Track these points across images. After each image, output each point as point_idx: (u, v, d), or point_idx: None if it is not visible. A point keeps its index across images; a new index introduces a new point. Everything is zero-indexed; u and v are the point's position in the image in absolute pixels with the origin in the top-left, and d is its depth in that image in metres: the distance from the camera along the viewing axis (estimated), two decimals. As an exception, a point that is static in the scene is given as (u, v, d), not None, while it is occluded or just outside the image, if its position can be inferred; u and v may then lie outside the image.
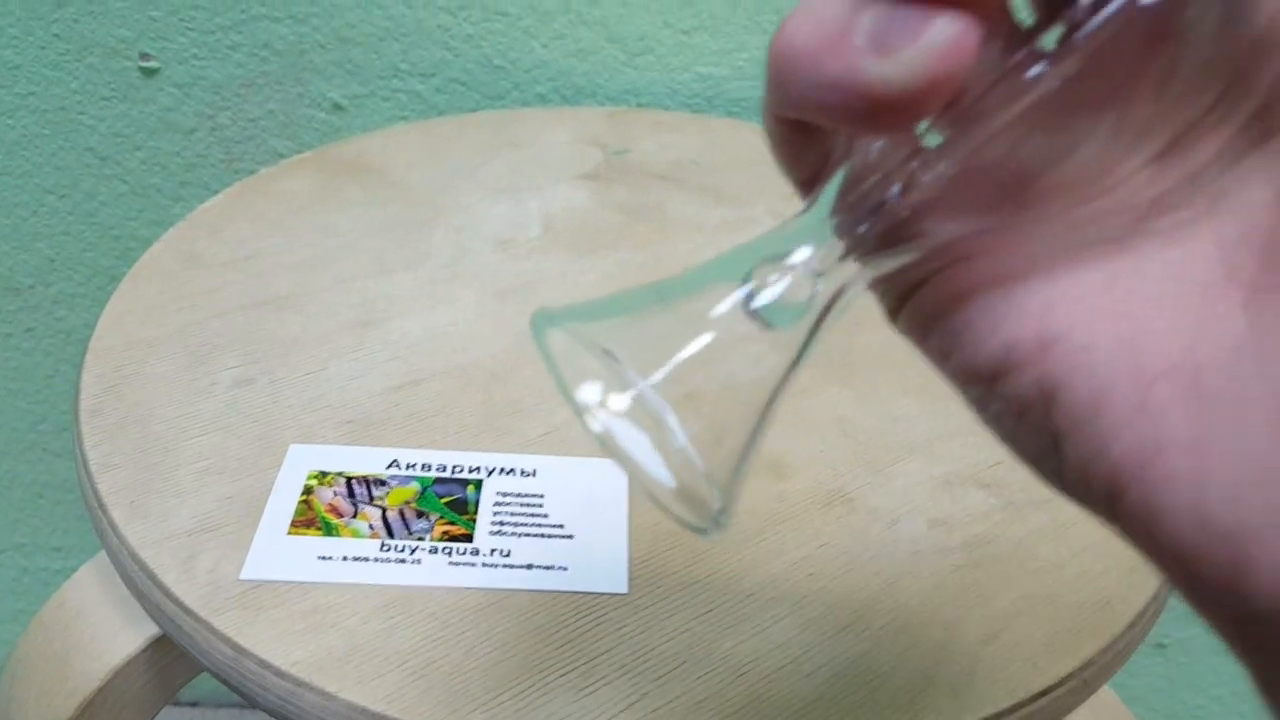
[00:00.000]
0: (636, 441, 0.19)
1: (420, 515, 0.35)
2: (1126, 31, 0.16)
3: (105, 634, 0.36)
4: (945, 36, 0.15)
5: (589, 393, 0.19)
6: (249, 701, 0.32)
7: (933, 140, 0.17)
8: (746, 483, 0.20)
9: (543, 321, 0.20)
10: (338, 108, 0.64)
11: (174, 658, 0.37)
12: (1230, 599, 0.15)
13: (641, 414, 0.19)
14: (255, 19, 0.61)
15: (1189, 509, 0.16)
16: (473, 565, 0.34)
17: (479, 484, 0.36)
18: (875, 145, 0.18)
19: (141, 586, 0.34)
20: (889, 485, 0.38)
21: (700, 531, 0.20)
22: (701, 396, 0.18)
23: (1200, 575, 0.16)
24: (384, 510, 0.35)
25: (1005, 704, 0.32)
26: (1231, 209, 0.17)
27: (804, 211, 0.19)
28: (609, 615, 0.33)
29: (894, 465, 0.39)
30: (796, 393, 0.37)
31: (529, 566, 0.34)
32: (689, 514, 0.19)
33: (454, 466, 0.37)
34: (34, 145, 0.66)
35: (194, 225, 0.49)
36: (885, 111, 0.15)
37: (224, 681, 0.32)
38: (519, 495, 0.36)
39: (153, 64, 0.63)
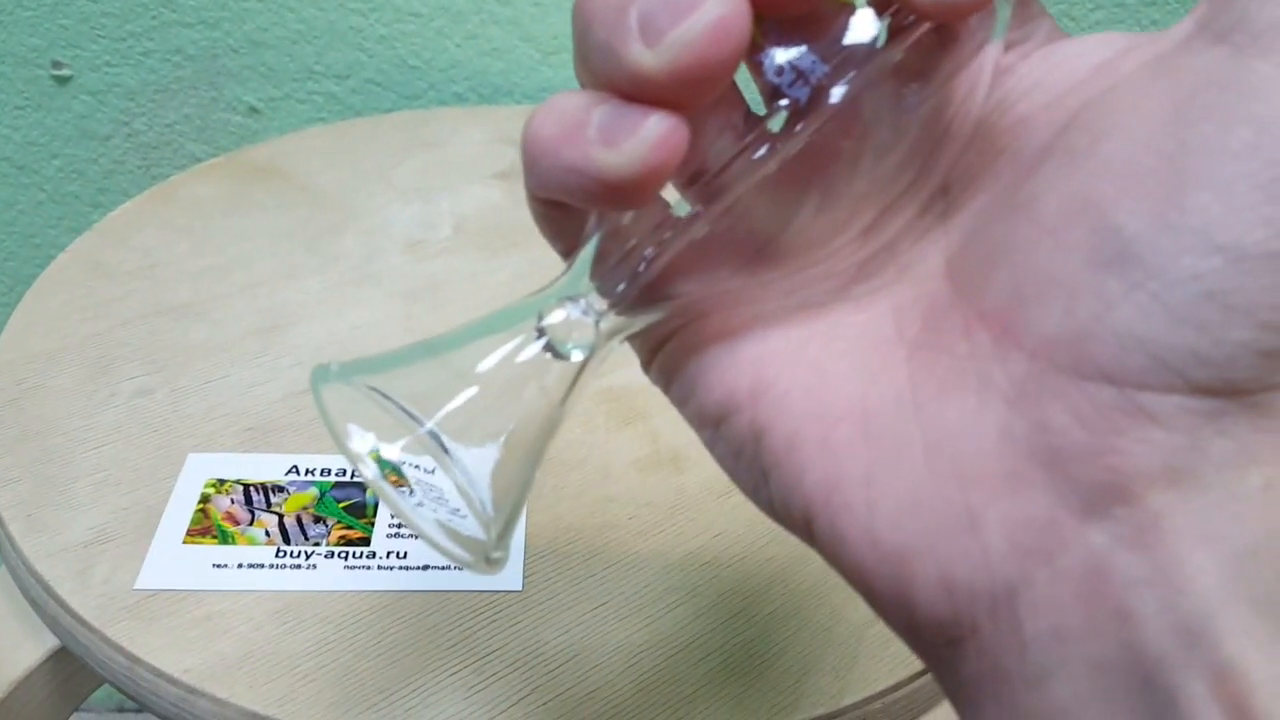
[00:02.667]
0: (415, 482, 0.21)
1: (318, 520, 0.36)
2: (830, 122, 0.19)
3: (6, 646, 0.36)
4: (659, 131, 0.17)
5: (361, 441, 0.20)
6: (146, 708, 0.32)
7: (681, 210, 0.19)
8: (518, 522, 0.21)
9: (319, 376, 0.20)
10: (254, 111, 0.64)
11: (76, 668, 0.37)
12: (900, 611, 0.18)
13: (416, 456, 0.20)
14: (166, 25, 0.61)
15: (863, 534, 0.18)
16: (369, 568, 0.34)
17: (377, 486, 0.37)
18: (625, 217, 0.20)
19: (38, 599, 0.34)
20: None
21: (474, 568, 0.20)
22: (472, 437, 0.19)
23: (875, 591, 0.18)
24: (281, 517, 0.35)
25: (886, 683, 0.33)
26: (911, 277, 0.20)
27: (561, 275, 0.20)
28: (503, 612, 0.34)
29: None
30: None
31: (425, 568, 0.35)
32: (463, 552, 0.20)
33: (353, 471, 0.37)
34: (-52, 156, 0.65)
35: (101, 234, 0.49)
36: (615, 192, 0.18)
37: (121, 690, 0.33)
38: (416, 496, 0.37)
39: (65, 72, 0.63)
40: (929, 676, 0.33)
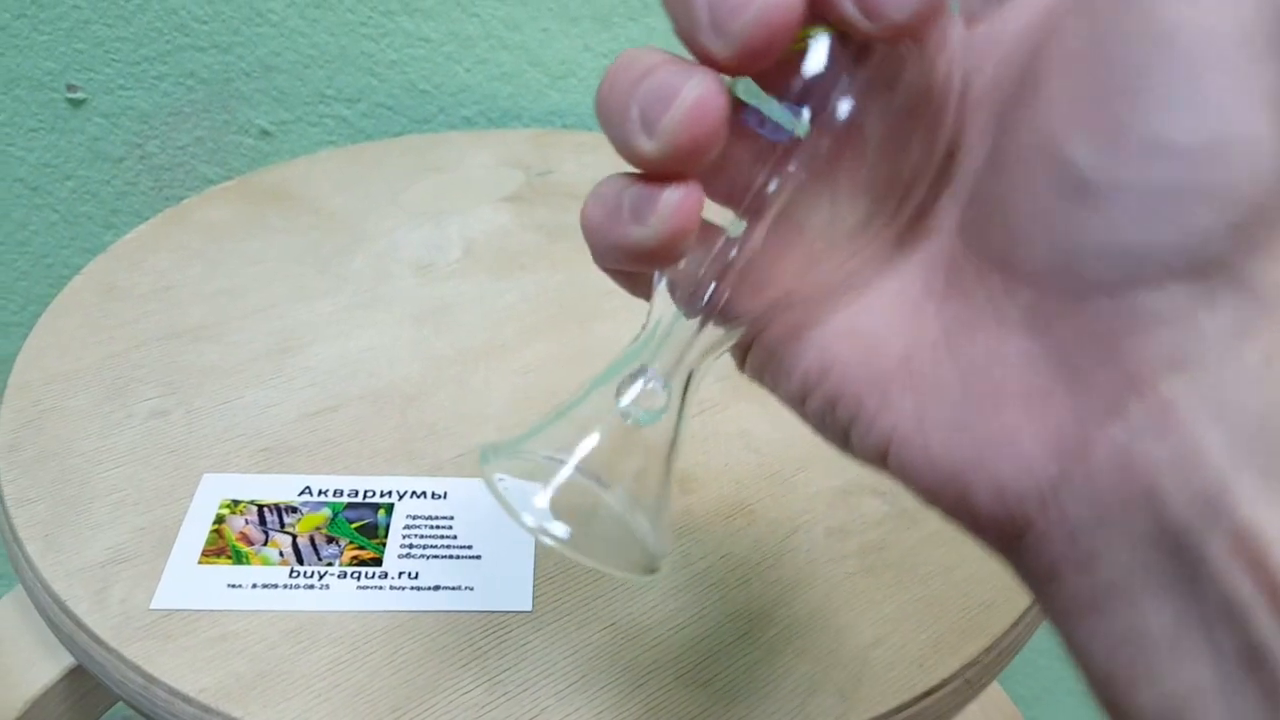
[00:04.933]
0: (577, 523, 0.24)
1: (330, 541, 0.36)
2: (832, 138, 0.22)
3: (23, 665, 0.37)
4: (673, 203, 0.21)
5: (533, 513, 0.24)
6: (161, 728, 0.33)
7: (736, 229, 0.22)
8: (671, 531, 0.24)
9: (486, 455, 0.25)
10: (265, 134, 0.65)
11: (91, 687, 0.38)
12: (965, 518, 0.21)
13: (574, 497, 0.24)
14: (180, 49, 0.62)
15: (923, 461, 0.22)
16: (380, 588, 0.35)
17: (390, 508, 0.37)
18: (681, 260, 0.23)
19: (55, 618, 0.35)
20: (789, 496, 0.40)
21: (641, 576, 0.24)
22: (616, 474, 0.24)
23: (942, 505, 0.22)
24: (294, 537, 0.36)
25: (891, 704, 0.33)
26: (932, 239, 0.23)
27: (642, 331, 0.24)
28: (514, 632, 0.34)
29: (795, 476, 0.41)
30: (704, 410, 0.39)
31: (436, 588, 0.35)
32: (632, 569, 0.24)
33: (366, 491, 0.38)
34: (-37, 177, 0.66)
35: (115, 257, 0.50)
36: (653, 257, 0.22)
37: (136, 709, 0.33)
38: (429, 518, 0.37)
39: (80, 95, 0.63)
40: (934, 698, 0.34)
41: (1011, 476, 0.20)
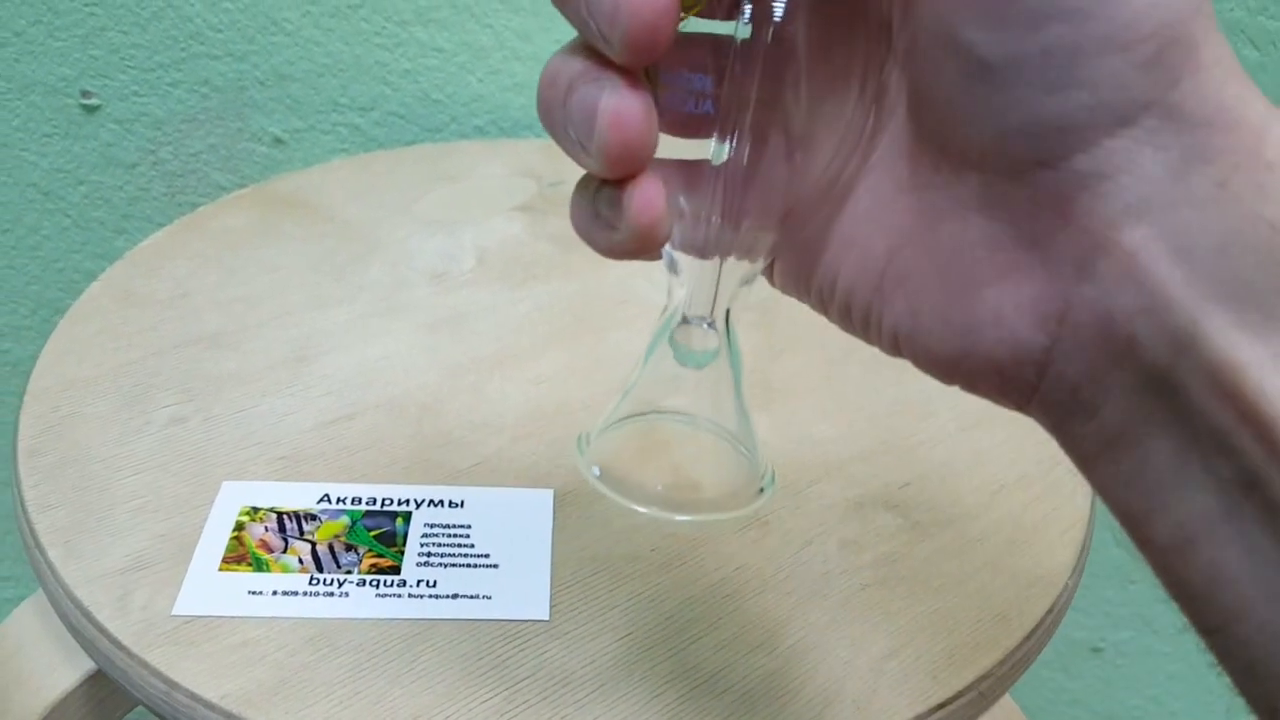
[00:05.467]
0: (679, 487, 0.28)
1: (349, 549, 0.36)
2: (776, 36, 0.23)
3: (43, 669, 0.37)
4: (634, 205, 0.22)
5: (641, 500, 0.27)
6: (182, 734, 0.33)
7: (719, 156, 0.24)
8: (763, 451, 0.29)
9: (581, 445, 0.28)
10: (278, 141, 0.66)
11: (111, 692, 0.38)
12: (978, 392, 0.23)
13: (667, 457, 0.28)
14: (195, 56, 0.63)
15: (924, 352, 0.23)
16: (399, 596, 0.35)
17: (408, 516, 0.38)
18: (680, 200, 0.24)
19: (77, 623, 0.35)
20: (804, 508, 0.40)
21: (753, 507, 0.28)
22: (698, 409, 0.27)
23: (958, 384, 0.23)
24: (314, 544, 0.36)
25: (906, 716, 0.33)
26: (892, 127, 0.24)
27: (669, 297, 0.27)
28: (531, 641, 0.35)
29: (810, 488, 0.41)
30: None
31: (454, 596, 0.35)
32: (742, 503, 0.28)
33: (384, 499, 0.38)
34: (-24, 182, 0.66)
35: (132, 264, 0.50)
36: (638, 253, 0.23)
37: (158, 715, 0.33)
38: (446, 526, 0.38)
39: (94, 101, 0.64)
40: (947, 709, 0.34)
41: (1005, 354, 0.21)
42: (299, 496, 0.38)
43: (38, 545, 0.36)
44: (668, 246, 0.25)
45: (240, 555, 0.36)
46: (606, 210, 0.23)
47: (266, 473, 0.40)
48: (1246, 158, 0.18)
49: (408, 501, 0.38)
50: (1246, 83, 0.19)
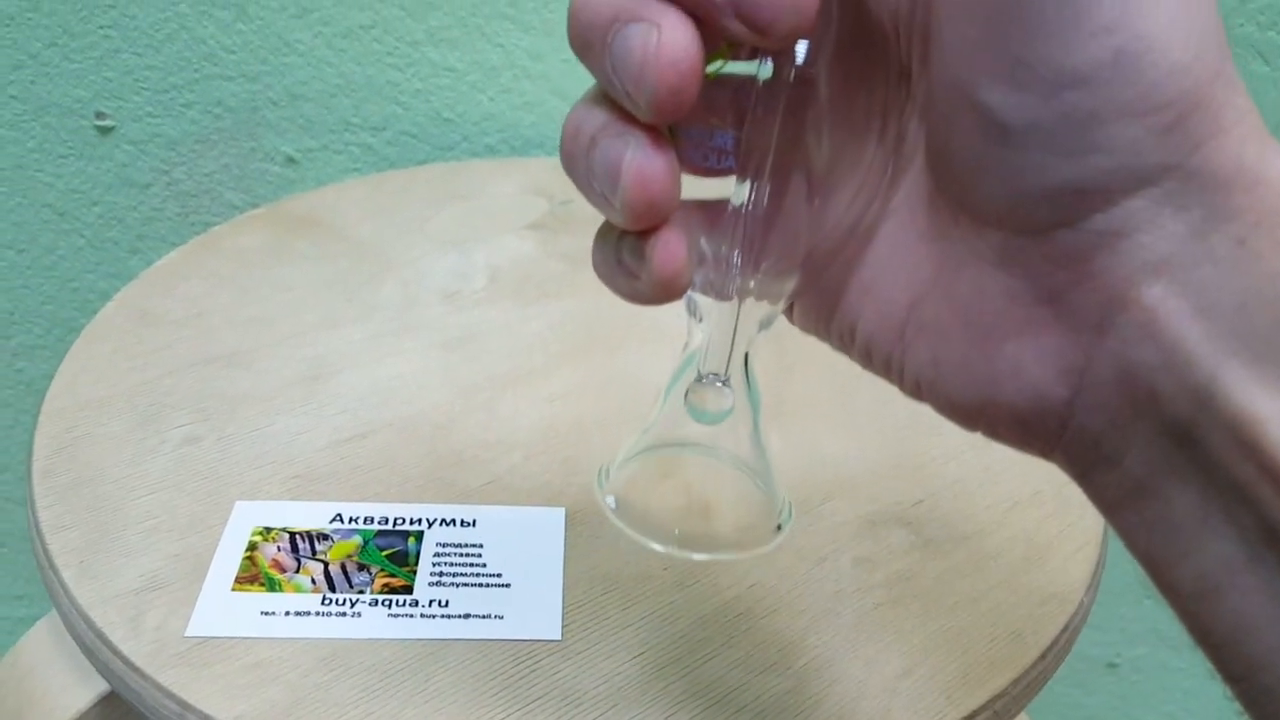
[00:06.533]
0: (696, 524, 0.28)
1: (361, 568, 0.36)
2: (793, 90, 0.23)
3: (57, 690, 0.37)
4: (656, 258, 0.22)
5: (658, 539, 0.28)
6: (195, 754, 0.33)
7: (739, 197, 0.24)
8: (783, 487, 0.29)
9: (600, 480, 0.28)
10: (291, 161, 0.66)
11: (124, 713, 0.38)
12: (1004, 441, 0.23)
13: (685, 498, 0.28)
14: (208, 78, 0.63)
15: (947, 402, 0.23)
16: (411, 617, 0.35)
17: (420, 535, 0.38)
18: (703, 243, 0.25)
19: (90, 644, 0.35)
20: (817, 525, 0.40)
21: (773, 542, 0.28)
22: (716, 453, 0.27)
23: (981, 431, 0.23)
24: (326, 565, 0.36)
25: (920, 737, 0.33)
26: (910, 173, 0.24)
27: (689, 336, 0.27)
28: (544, 661, 0.35)
29: (822, 505, 0.41)
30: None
31: (466, 616, 0.35)
32: (761, 541, 0.28)
33: (396, 519, 0.38)
34: (-8, 203, 0.67)
35: (147, 283, 0.51)
36: (659, 300, 0.23)
37: (171, 735, 0.33)
38: (458, 546, 0.38)
39: (108, 122, 0.64)
40: (962, 729, 0.34)
41: (1027, 405, 0.21)
42: (312, 516, 0.38)
43: (51, 566, 0.37)
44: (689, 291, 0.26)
45: (253, 575, 0.36)
46: (629, 259, 0.23)
47: (280, 492, 0.40)
48: (1267, 216, 0.18)
49: (420, 520, 0.38)
50: (1267, 139, 0.19)
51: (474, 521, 0.39)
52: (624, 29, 0.20)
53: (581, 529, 0.39)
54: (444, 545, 0.37)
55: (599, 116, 0.22)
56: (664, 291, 0.23)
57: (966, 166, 0.21)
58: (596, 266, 0.24)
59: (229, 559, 0.36)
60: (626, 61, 0.20)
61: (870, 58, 0.23)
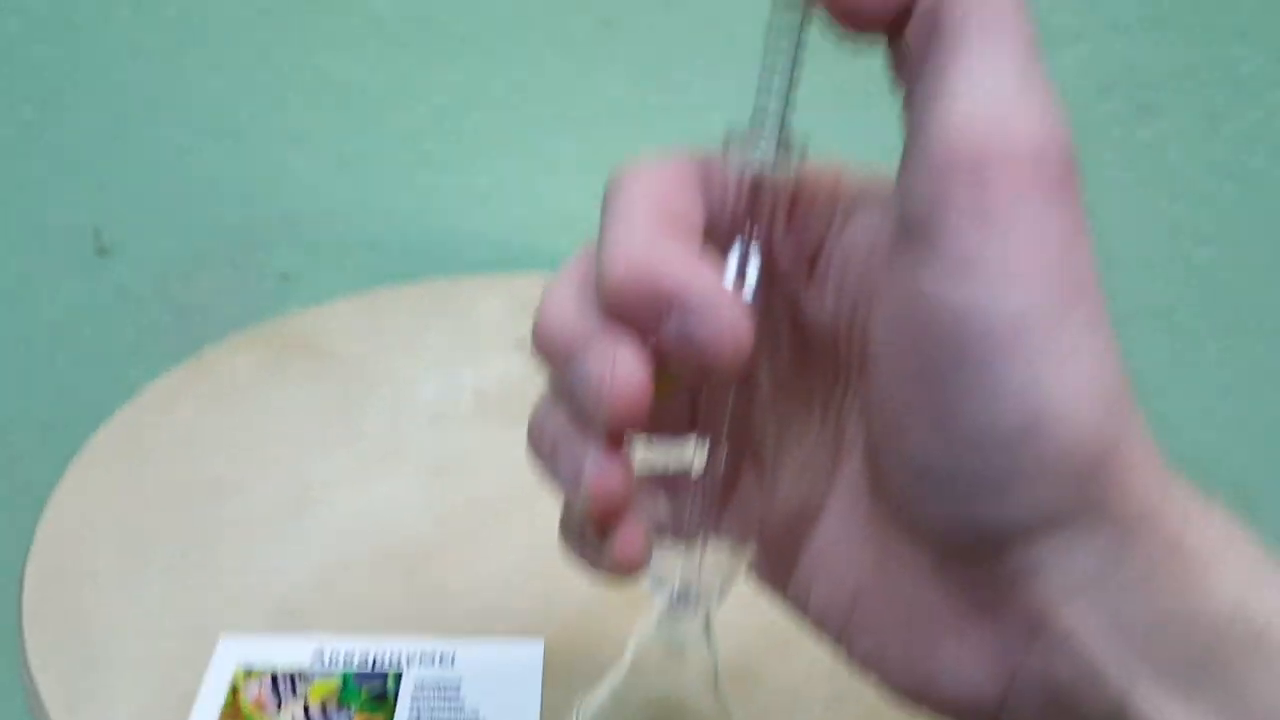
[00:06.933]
0: None
1: (341, 707, 0.37)
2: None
3: (39, 832, 0.38)
4: (615, 551, 0.24)
5: None
6: None
7: (698, 456, 0.26)
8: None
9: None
10: (285, 278, 0.68)
11: None
12: (930, 712, 0.24)
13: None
14: (205, 200, 0.65)
15: (890, 685, 0.25)
16: (390, 757, 0.36)
17: (399, 676, 0.38)
18: (663, 511, 0.26)
19: (73, 788, 0.35)
20: (792, 662, 0.40)
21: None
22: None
23: (913, 704, 0.24)
24: (307, 706, 0.37)
25: None
26: (852, 456, 0.25)
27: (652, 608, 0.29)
28: (519, 803, 0.35)
29: (801, 640, 0.41)
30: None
31: (444, 756, 0.36)
32: None
33: (376, 656, 0.39)
34: (-7, 318, 0.69)
35: (139, 408, 0.52)
36: (616, 580, 0.25)
37: None
38: (437, 685, 0.38)
39: (107, 243, 0.66)
40: None
41: (964, 699, 0.23)
42: (294, 653, 0.39)
43: (40, 707, 0.37)
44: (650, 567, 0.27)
45: (235, 714, 0.36)
46: (591, 544, 0.25)
47: (263, 626, 0.40)
48: (1170, 551, 0.21)
49: (400, 657, 0.39)
50: (1169, 481, 0.21)
51: (453, 658, 0.39)
52: (582, 355, 0.22)
53: (559, 660, 0.40)
54: (423, 685, 0.38)
55: (561, 418, 0.24)
56: (624, 576, 0.25)
57: (898, 492, 0.23)
58: (562, 539, 0.26)
59: (212, 700, 0.37)
60: (585, 383, 0.22)
61: (811, 360, 0.25)
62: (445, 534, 0.45)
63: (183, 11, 0.60)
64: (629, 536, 0.24)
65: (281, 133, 0.63)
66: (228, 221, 0.66)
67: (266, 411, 0.52)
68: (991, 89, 0.19)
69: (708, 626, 0.29)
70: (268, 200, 0.65)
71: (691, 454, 0.25)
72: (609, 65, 0.62)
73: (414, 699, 0.38)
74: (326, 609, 0.41)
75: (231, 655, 0.39)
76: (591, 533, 0.24)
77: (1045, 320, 0.19)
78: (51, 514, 0.45)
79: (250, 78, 0.62)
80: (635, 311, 0.22)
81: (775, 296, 0.25)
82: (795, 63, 0.23)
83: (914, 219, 0.20)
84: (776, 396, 0.25)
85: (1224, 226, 0.64)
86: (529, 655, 0.40)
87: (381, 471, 0.49)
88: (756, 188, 0.24)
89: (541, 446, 0.25)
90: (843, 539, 0.26)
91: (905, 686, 0.24)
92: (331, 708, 0.37)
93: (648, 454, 0.26)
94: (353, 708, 0.37)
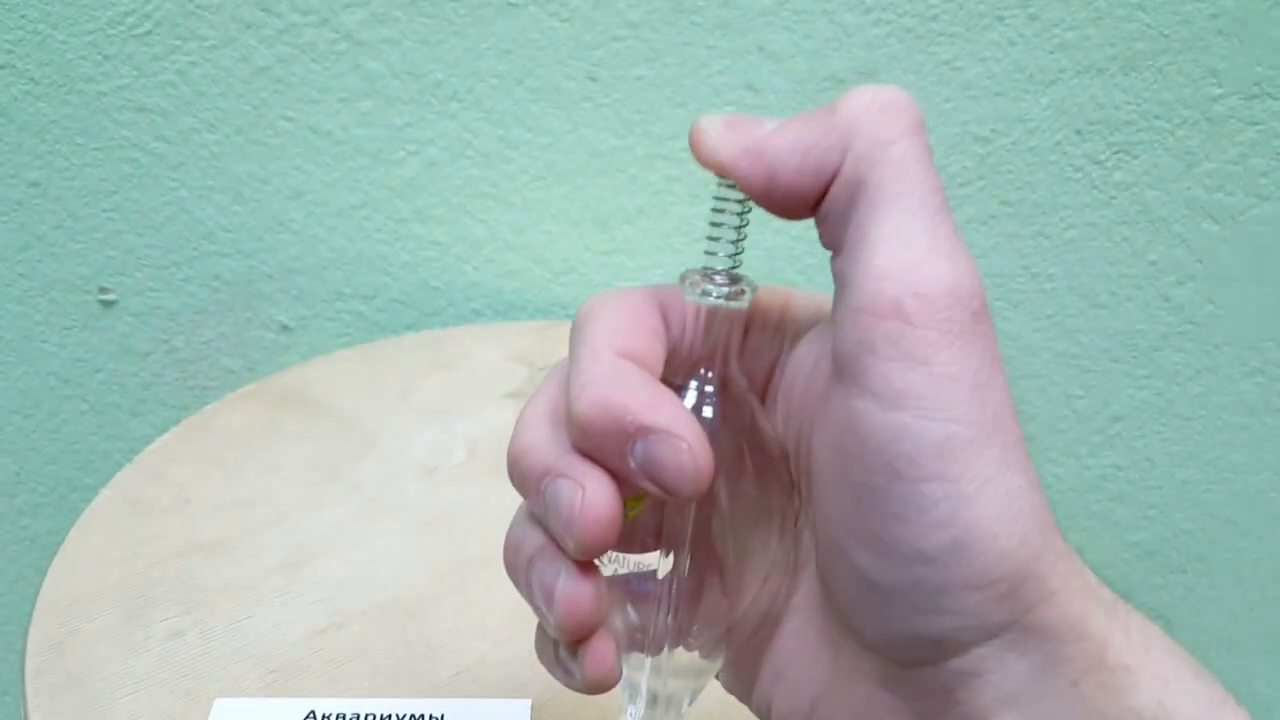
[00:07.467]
0: None
1: (332, 769, 0.38)
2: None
3: None
4: (586, 667, 0.25)
5: None
6: None
7: (665, 568, 0.26)
8: None
9: None
10: (285, 329, 0.69)
11: None
12: None
13: None
14: (206, 254, 0.66)
15: None
16: (378, 819, 0.37)
17: (389, 733, 0.39)
18: (630, 614, 0.27)
19: None
20: None
21: None
22: None
23: None
24: (298, 767, 0.38)
25: None
26: (807, 576, 0.27)
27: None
28: None
29: None
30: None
31: (431, 817, 0.37)
32: None
33: (366, 716, 0.40)
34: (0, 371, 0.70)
35: (139, 468, 0.53)
36: (589, 693, 0.26)
37: None
38: (426, 744, 0.39)
39: (111, 296, 0.68)
40: None
41: None
42: (286, 715, 0.40)
43: (38, 770, 0.38)
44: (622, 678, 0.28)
45: (228, 778, 0.38)
46: (564, 659, 0.26)
47: (257, 688, 0.41)
48: (1092, 664, 0.22)
49: (390, 717, 0.40)
50: (1091, 597, 0.23)
51: (442, 717, 0.40)
52: (554, 483, 0.24)
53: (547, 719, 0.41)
54: (411, 745, 0.39)
55: (534, 539, 0.25)
56: (596, 689, 0.26)
57: (844, 603, 0.25)
58: (537, 653, 0.28)
59: (206, 762, 0.38)
60: (556, 512, 0.24)
61: (770, 476, 0.27)
62: (434, 591, 0.46)
63: (181, 73, 0.62)
64: (599, 655, 0.25)
65: (279, 187, 0.65)
66: (228, 275, 0.67)
67: (263, 469, 0.53)
68: (906, 243, 0.22)
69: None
70: (267, 253, 0.66)
71: (658, 565, 0.27)
72: (596, 118, 0.63)
73: (402, 760, 0.38)
74: (319, 671, 0.42)
75: (226, 717, 0.40)
76: (564, 650, 0.26)
77: (967, 448, 0.21)
78: (54, 576, 0.46)
79: (248, 135, 0.64)
80: (603, 442, 0.23)
81: (734, 418, 0.26)
82: (741, 221, 0.26)
83: (845, 358, 0.23)
84: (738, 511, 0.26)
85: (1202, 264, 0.65)
86: (517, 713, 0.41)
87: (373, 528, 0.50)
88: (711, 319, 0.26)
89: (517, 563, 0.26)
90: (800, 647, 0.27)
91: None
92: (322, 769, 0.38)
93: (616, 566, 0.27)
94: (343, 769, 0.38)
